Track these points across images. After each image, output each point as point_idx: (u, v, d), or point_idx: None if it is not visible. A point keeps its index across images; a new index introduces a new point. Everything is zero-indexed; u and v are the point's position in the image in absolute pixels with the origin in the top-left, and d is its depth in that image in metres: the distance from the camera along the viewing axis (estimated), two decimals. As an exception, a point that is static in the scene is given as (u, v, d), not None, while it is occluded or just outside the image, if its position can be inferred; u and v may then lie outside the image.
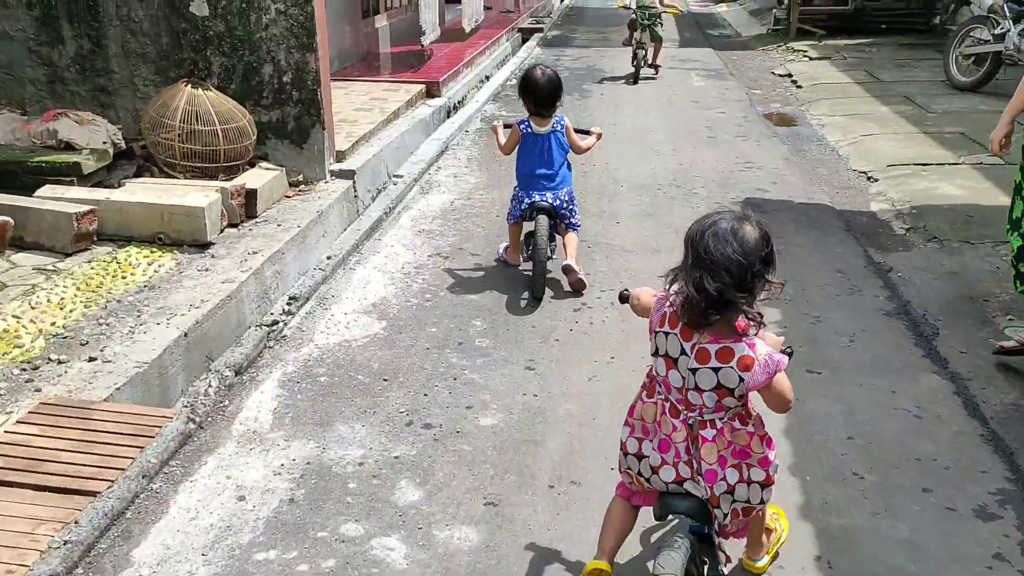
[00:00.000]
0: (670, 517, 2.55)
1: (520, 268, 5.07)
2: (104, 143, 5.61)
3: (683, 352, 2.31)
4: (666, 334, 2.34)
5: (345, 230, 5.82)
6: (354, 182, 6.28)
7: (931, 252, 5.31)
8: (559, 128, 4.82)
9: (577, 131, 4.96)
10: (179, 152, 5.53)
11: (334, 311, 4.56)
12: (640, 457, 2.47)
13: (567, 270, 4.73)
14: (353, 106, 7.96)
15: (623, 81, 11.01)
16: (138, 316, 4.00)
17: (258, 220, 5.43)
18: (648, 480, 2.48)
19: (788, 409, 2.38)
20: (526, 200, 4.79)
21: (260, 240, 5.06)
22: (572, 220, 4.88)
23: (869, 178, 6.81)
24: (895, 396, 3.73)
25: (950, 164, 6.89)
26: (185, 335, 3.95)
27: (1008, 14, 9.00)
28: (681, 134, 8.18)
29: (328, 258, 5.17)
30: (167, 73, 6.07)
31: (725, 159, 7.35)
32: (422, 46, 10.01)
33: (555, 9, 19.41)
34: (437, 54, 10.76)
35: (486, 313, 4.51)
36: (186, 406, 3.56)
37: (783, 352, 2.34)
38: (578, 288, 4.76)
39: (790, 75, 11.23)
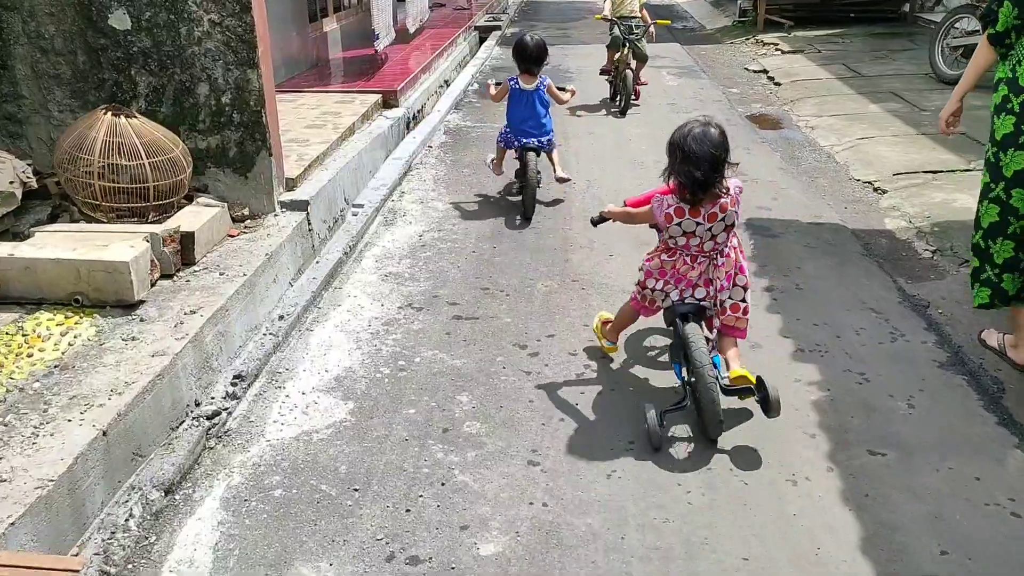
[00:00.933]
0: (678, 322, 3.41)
1: (503, 319, 4.30)
2: (11, 183, 4.71)
3: (698, 224, 3.26)
4: (680, 223, 3.28)
5: (300, 273, 4.99)
6: (308, 214, 5.46)
7: (966, 279, 4.63)
8: (542, 87, 5.99)
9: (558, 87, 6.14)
10: (100, 191, 4.66)
11: (289, 391, 3.74)
12: (655, 289, 3.47)
13: (560, 180, 5.97)
14: (303, 123, 7.10)
15: (604, 112, 8.83)
16: (45, 410, 3.16)
17: (197, 268, 4.59)
18: (661, 301, 3.50)
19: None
20: (516, 143, 5.88)
21: (199, 295, 4.23)
22: (551, 147, 6.02)
23: (876, 189, 6.13)
24: (982, 486, 3.02)
25: (961, 171, 6.25)
26: (104, 434, 3.11)
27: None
28: (663, 142, 7.42)
29: (280, 318, 4.34)
30: (86, 96, 5.19)
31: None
32: (376, 51, 9.16)
33: (511, 4, 18.59)
34: (392, 59, 9.92)
35: (473, 385, 3.73)
36: (98, 553, 2.73)
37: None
38: (565, 181, 6.00)
39: (765, 71, 10.57)
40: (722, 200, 3.24)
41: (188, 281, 4.37)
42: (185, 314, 4.06)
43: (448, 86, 10.57)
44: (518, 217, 5.68)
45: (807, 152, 7.23)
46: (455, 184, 6.56)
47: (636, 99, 8.94)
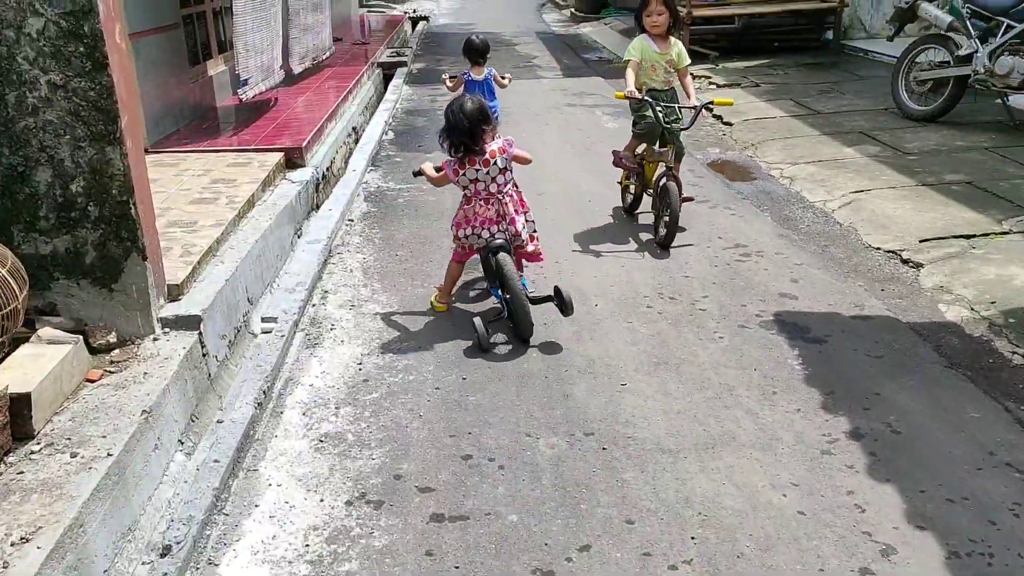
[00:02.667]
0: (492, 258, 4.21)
1: (506, 517, 2.85)
2: None
3: (477, 170, 4.22)
4: (464, 173, 4.25)
5: (193, 449, 3.43)
6: (201, 334, 3.92)
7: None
8: (489, 76, 6.98)
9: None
10: None
11: None
12: (468, 236, 4.32)
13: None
14: (188, 196, 5.51)
15: (627, 246, 5.53)
16: None
17: (36, 448, 3.04)
18: (476, 243, 4.33)
19: (530, 161, 4.41)
20: None
21: (35, 502, 2.70)
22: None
23: (907, 262, 4.97)
24: None
25: (998, 235, 5.16)
26: None
27: (972, 33, 7.49)
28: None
29: (165, 553, 2.76)
30: None
31: (708, 244, 5.37)
32: (240, 100, 7.55)
33: (410, 37, 17.14)
34: (289, 105, 8.36)
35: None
36: None
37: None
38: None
39: (707, 107, 9.44)
40: (489, 150, 4.20)
41: (20, 474, 2.84)
42: (12, 544, 2.50)
43: (356, 133, 9.06)
44: (479, 320, 4.24)
45: (799, 210, 6.04)
46: (391, 275, 5.07)
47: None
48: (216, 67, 8.62)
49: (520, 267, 4.46)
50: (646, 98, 5.43)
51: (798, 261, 5.07)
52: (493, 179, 4.21)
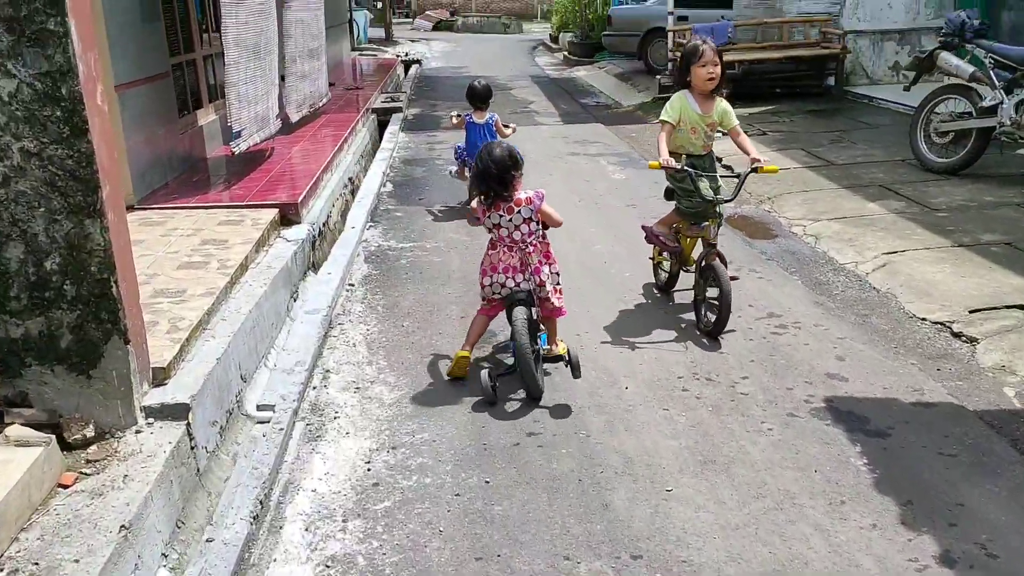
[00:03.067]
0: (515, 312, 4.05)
1: None
2: None
3: (501, 216, 4.14)
4: (489, 216, 4.18)
5: (179, 564, 2.94)
6: (189, 424, 3.47)
7: None
8: (491, 121, 7.25)
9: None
10: None
11: None
12: (492, 284, 4.19)
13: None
14: (177, 260, 5.08)
15: (664, 337, 5.27)
16: None
17: None
18: (500, 292, 4.19)
19: (560, 224, 4.24)
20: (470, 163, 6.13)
21: None
22: None
23: (959, 335, 4.56)
24: None
25: (1052, 304, 4.78)
26: None
27: (997, 83, 7.18)
28: (646, 263, 5.69)
29: None
30: None
31: (739, 313, 4.94)
32: (231, 153, 7.15)
33: (403, 81, 16.85)
34: (283, 155, 7.97)
35: None
36: None
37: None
38: None
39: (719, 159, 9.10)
40: (516, 197, 4.13)
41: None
42: None
43: (353, 184, 8.66)
44: (485, 375, 3.94)
45: (830, 274, 5.65)
46: (398, 349, 4.61)
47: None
48: (206, 116, 8.23)
49: (543, 324, 4.29)
50: (687, 169, 4.78)
51: (840, 334, 4.65)
52: (517, 227, 4.14)
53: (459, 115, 7.52)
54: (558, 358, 4.22)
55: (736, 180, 4.89)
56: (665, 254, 5.28)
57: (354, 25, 21.11)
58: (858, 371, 4.21)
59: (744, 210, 7.27)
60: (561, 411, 3.88)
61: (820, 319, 4.87)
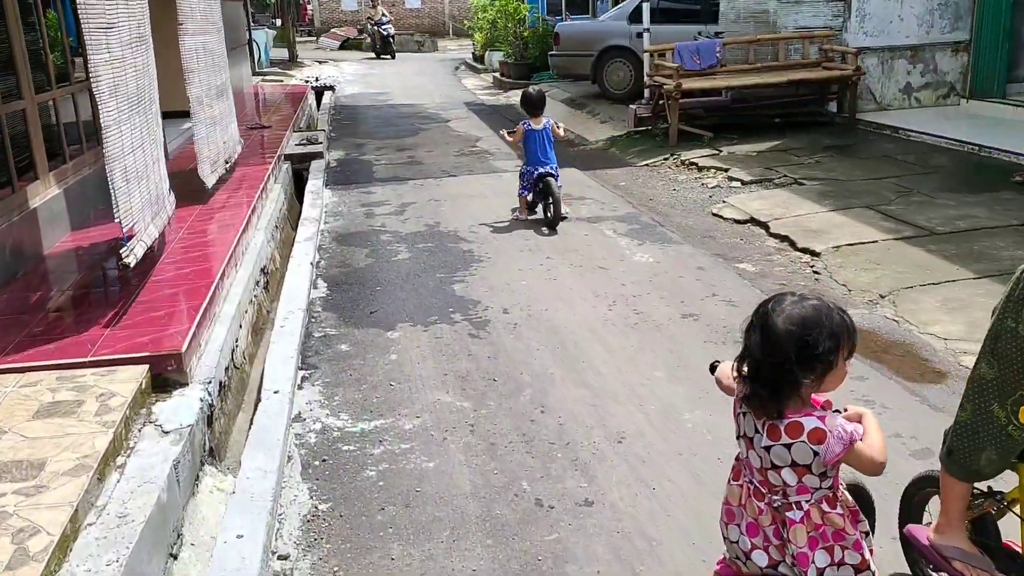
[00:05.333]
0: None
1: None
2: None
3: (756, 430, 2.10)
4: (744, 414, 2.16)
5: None
6: None
7: None
8: (547, 126, 7.14)
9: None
10: None
11: None
12: (731, 541, 2.24)
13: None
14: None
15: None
16: None
17: None
18: (745, 564, 2.20)
19: (880, 471, 2.08)
20: (535, 172, 6.95)
21: None
22: (558, 177, 6.97)
23: None
24: None
25: None
26: None
27: None
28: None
29: None
30: None
31: None
32: (125, 267, 4.40)
33: (316, 113, 14.02)
34: (161, 246, 5.23)
35: None
36: None
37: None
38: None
39: (754, 220, 6.75)
40: (807, 420, 2.03)
41: None
42: None
43: (266, 277, 5.97)
44: None
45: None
46: None
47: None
48: (43, 191, 5.42)
49: None
50: None
51: None
52: (773, 464, 2.07)
53: (513, 131, 7.38)
54: None
55: None
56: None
57: (254, 46, 18.15)
58: None
59: (860, 318, 4.86)
60: None
61: None
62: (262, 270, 6.08)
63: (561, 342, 4.64)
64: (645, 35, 10.49)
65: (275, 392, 4.03)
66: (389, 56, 25.28)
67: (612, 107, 12.58)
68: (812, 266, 5.73)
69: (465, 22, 27.66)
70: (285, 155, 9.31)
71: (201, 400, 3.81)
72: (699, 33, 11.37)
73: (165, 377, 3.91)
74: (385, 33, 25.55)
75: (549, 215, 6.89)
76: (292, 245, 6.57)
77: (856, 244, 5.91)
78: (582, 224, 6.98)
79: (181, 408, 3.71)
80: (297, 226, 7.20)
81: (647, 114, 10.42)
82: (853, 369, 4.07)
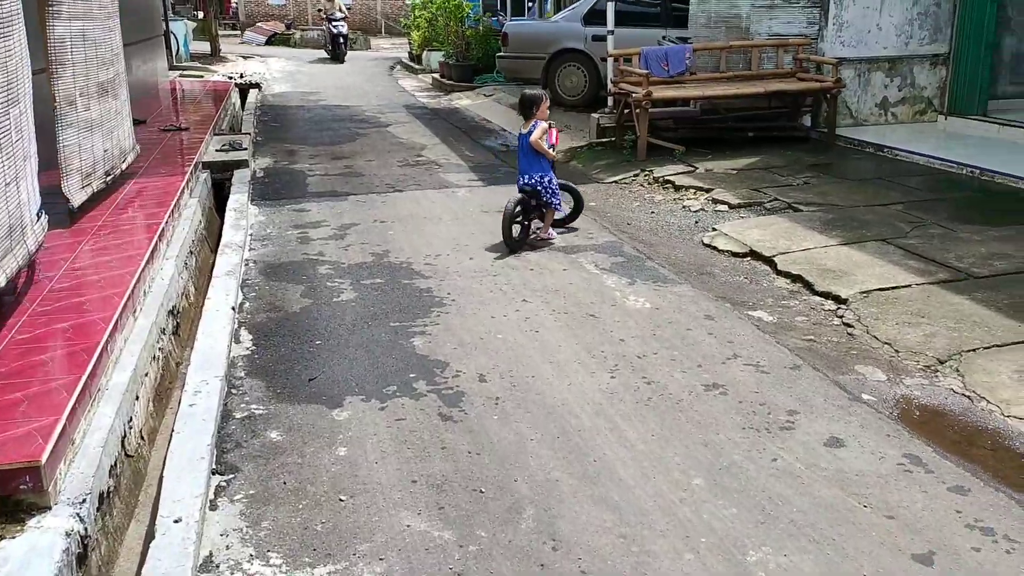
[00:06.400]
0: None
1: None
2: None
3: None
4: None
5: None
6: None
7: None
8: (532, 130, 6.02)
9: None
10: None
11: None
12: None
13: (541, 239, 6.13)
14: None
15: None
16: None
17: None
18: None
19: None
20: (518, 184, 6.17)
21: None
22: (546, 195, 6.00)
23: None
24: None
25: None
26: None
27: None
28: None
29: None
30: None
31: None
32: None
33: (241, 113, 12.63)
34: (28, 292, 3.97)
35: None
36: None
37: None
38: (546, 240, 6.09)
39: (754, 252, 5.81)
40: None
41: None
42: None
43: (175, 320, 4.76)
44: None
45: None
46: None
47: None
48: None
49: None
50: None
51: None
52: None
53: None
54: None
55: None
56: None
57: (172, 39, 16.57)
58: None
59: (912, 389, 3.93)
60: None
61: None
62: (171, 311, 4.85)
63: (561, 428, 3.55)
64: (609, 38, 9.47)
65: (175, 521, 2.83)
66: (338, 60, 21.74)
67: (567, 114, 11.57)
68: (841, 316, 4.78)
69: (401, 19, 26.39)
70: (204, 163, 8.00)
71: (68, 534, 2.66)
72: (663, 38, 10.44)
73: (18, 500, 2.74)
74: (336, 31, 21.80)
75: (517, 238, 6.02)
76: (210, 275, 5.34)
77: (887, 289, 4.99)
78: (558, 255, 5.92)
79: (36, 554, 2.53)
80: (216, 250, 5.96)
81: (611, 124, 9.43)
82: (945, 476, 3.09)
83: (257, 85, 15.34)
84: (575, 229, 6.47)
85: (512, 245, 5.91)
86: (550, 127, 6.07)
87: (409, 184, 8.15)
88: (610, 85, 9.57)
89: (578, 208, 6.56)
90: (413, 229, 6.56)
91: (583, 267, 5.65)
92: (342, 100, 14.39)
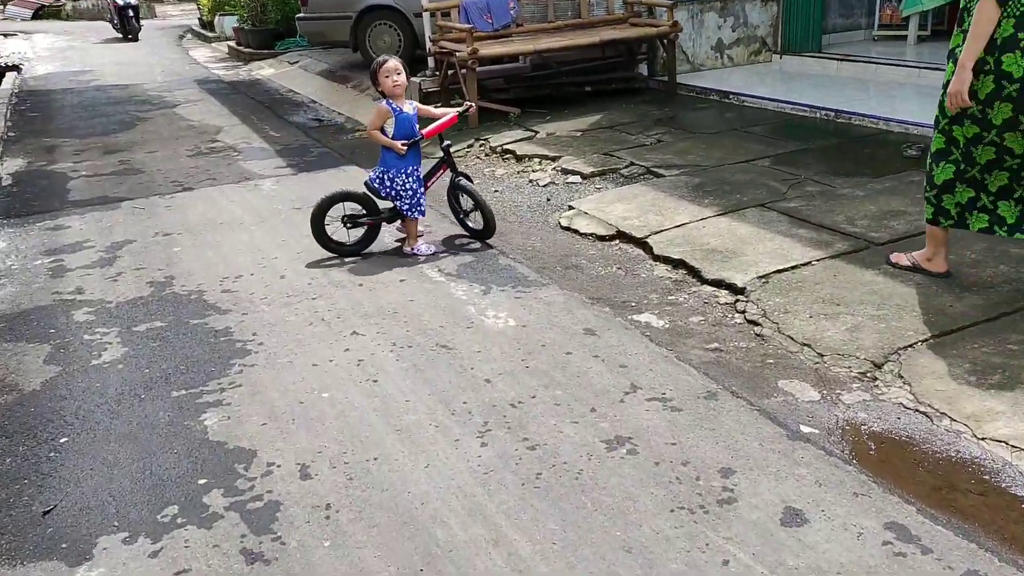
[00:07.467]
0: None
1: None
2: None
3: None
4: None
5: None
6: None
7: None
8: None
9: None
10: None
11: None
12: None
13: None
14: None
15: None
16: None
17: None
18: None
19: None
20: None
21: None
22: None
23: None
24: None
25: None
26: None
27: None
28: None
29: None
30: None
31: None
32: None
33: (-7, 101, 10.46)
34: None
35: None
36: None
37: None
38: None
39: (622, 233, 4.87)
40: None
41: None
42: None
43: None
44: None
45: None
46: None
47: None
48: None
49: None
50: None
51: None
52: None
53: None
54: None
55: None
56: None
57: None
58: None
59: (860, 411, 3.10)
60: None
61: None
62: None
63: (425, 551, 2.45)
64: (423, -10, 8.22)
65: None
66: (131, 38, 18.04)
67: (383, 79, 10.24)
68: (743, 312, 3.90)
69: (187, -17, 23.75)
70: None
71: None
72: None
73: None
74: (123, 3, 17.83)
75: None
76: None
77: (786, 270, 4.17)
78: (392, 260, 4.75)
79: None
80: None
81: (435, 88, 8.24)
82: (948, 555, 2.25)
83: (15, 67, 12.96)
84: (489, 246, 5.16)
85: (335, 249, 4.71)
86: (416, 107, 4.84)
87: (202, 179, 6.67)
88: (429, 44, 8.35)
89: (485, 215, 4.90)
90: (207, 242, 5.17)
91: (424, 274, 4.51)
92: (120, 79, 12.34)
